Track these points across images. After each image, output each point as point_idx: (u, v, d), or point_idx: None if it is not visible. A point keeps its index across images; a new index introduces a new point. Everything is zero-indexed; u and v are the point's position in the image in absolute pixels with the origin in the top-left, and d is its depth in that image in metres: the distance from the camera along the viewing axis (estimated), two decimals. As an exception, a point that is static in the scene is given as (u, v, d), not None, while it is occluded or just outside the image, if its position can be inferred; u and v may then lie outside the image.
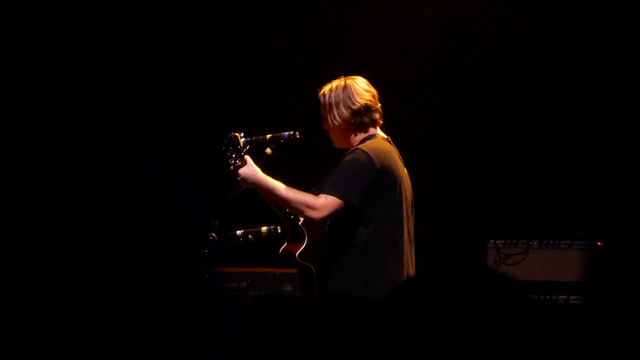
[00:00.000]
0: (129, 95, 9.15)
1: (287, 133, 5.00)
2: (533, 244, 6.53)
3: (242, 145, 4.93)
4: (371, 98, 4.82)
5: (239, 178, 4.77)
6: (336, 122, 4.83)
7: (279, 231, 5.15)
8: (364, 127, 4.82)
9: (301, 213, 4.74)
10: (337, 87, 4.90)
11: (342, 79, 4.90)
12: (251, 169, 4.78)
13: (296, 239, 4.87)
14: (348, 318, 2.92)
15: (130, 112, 9.08)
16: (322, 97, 4.92)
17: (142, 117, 9.10)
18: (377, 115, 4.82)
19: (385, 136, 4.85)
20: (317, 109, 5.27)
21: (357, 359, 2.49)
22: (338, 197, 4.58)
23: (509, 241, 6.61)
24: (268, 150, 4.98)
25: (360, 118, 4.78)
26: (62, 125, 9.06)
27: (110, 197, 8.55)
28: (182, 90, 9.11)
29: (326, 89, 4.88)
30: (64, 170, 9.02)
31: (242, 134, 4.98)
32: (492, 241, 6.56)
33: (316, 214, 4.62)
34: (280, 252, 4.88)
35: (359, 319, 2.88)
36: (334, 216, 4.61)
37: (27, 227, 7.74)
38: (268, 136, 5.02)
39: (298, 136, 4.96)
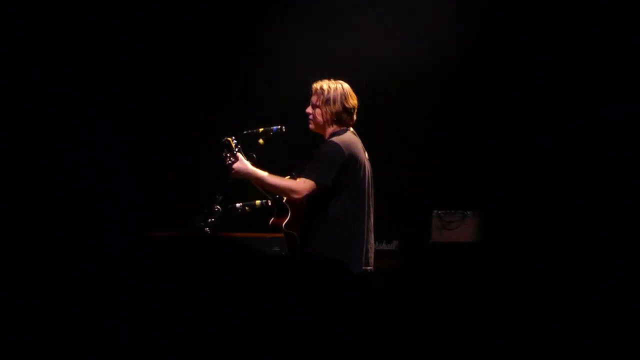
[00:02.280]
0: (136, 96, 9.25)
1: (276, 127, 5.63)
2: (467, 213, 7.51)
3: (234, 146, 5.51)
4: (355, 103, 5.43)
5: (232, 172, 5.38)
6: (325, 112, 5.40)
7: (269, 204, 5.74)
8: (342, 123, 5.39)
9: (285, 195, 5.38)
10: (335, 86, 5.45)
11: (336, 81, 5.51)
12: (243, 164, 5.38)
13: (282, 213, 5.49)
14: (320, 273, 3.12)
15: (134, 113, 9.18)
16: (319, 88, 5.43)
17: (144, 117, 9.27)
18: (354, 117, 5.42)
19: (352, 130, 5.44)
20: (297, 107, 6.09)
21: (326, 305, 2.83)
22: (314, 181, 5.19)
23: (448, 211, 7.54)
24: (260, 141, 5.60)
25: (344, 115, 5.37)
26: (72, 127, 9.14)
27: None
28: (180, 91, 9.38)
29: (324, 84, 5.43)
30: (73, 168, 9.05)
31: (234, 138, 5.55)
32: (435, 211, 7.44)
33: (297, 195, 5.26)
34: (270, 224, 5.57)
35: (328, 273, 3.13)
36: (311, 195, 5.23)
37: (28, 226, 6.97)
38: (260, 130, 5.65)
39: (284, 130, 5.60)
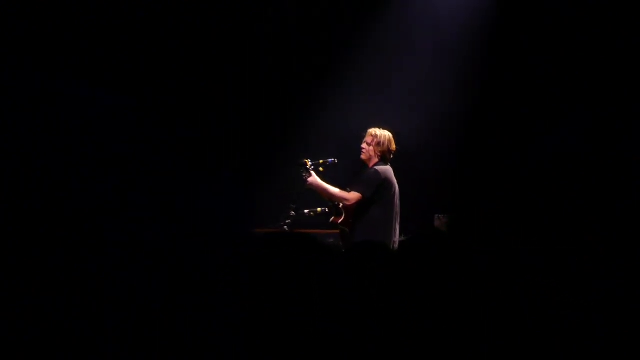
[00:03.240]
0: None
1: (331, 160, 6.86)
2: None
3: (309, 166, 6.64)
4: (395, 148, 6.57)
5: (307, 184, 6.57)
6: (375, 150, 6.54)
7: (327, 211, 6.90)
8: (384, 159, 6.54)
9: (340, 202, 6.53)
10: (384, 134, 6.54)
11: (384, 129, 6.61)
12: (315, 179, 6.53)
13: (338, 215, 6.72)
14: (365, 255, 3.01)
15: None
16: (374, 133, 6.55)
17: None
18: (391, 156, 6.55)
19: (388, 163, 6.50)
20: (345, 147, 7.33)
21: (368, 281, 2.66)
22: (360, 193, 6.38)
23: (445, 215, 7.78)
24: (321, 169, 6.86)
25: (387, 155, 6.54)
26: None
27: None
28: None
29: (377, 130, 6.57)
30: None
31: (310, 160, 6.76)
32: (436, 215, 7.77)
33: (348, 202, 6.46)
34: (330, 222, 6.81)
35: (370, 257, 3.00)
36: (358, 203, 6.43)
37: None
38: (321, 161, 6.85)
39: (336, 162, 6.84)
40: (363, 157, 6.53)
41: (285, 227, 6.76)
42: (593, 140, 8.04)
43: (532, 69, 8.82)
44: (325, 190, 6.52)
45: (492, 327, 2.11)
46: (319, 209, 6.95)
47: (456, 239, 2.84)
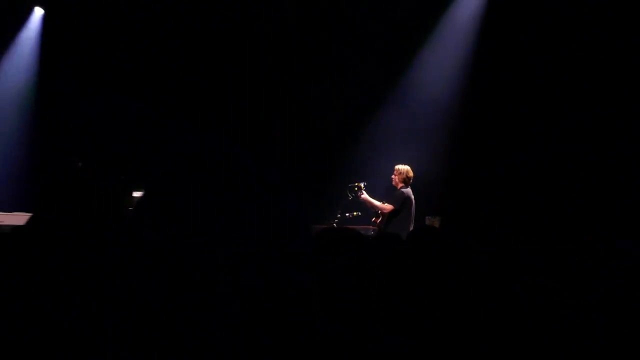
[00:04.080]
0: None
1: (363, 182, 7.09)
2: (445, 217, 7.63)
3: (362, 187, 7.02)
4: (412, 176, 6.92)
5: (361, 198, 6.97)
6: (399, 178, 6.92)
7: (360, 214, 7.12)
8: (405, 182, 6.95)
9: (380, 210, 6.97)
10: (404, 167, 6.90)
11: (404, 164, 6.89)
12: (365, 196, 6.99)
13: (377, 217, 6.99)
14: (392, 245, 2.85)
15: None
16: (397, 167, 6.90)
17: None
18: (410, 181, 6.97)
19: (409, 186, 7.00)
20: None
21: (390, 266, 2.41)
22: (393, 205, 6.87)
23: (434, 216, 7.44)
24: (355, 189, 7.04)
25: (407, 181, 6.94)
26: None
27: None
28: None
29: (399, 166, 6.90)
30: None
31: (363, 182, 7.05)
32: (427, 217, 7.38)
33: (385, 211, 6.91)
34: (372, 221, 7.06)
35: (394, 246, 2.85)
36: (391, 211, 6.83)
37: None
38: (356, 184, 6.98)
39: (366, 184, 7.08)
40: (393, 183, 7.09)
41: (334, 224, 7.05)
42: (591, 140, 6.96)
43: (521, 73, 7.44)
44: (371, 203, 7.06)
45: (485, 325, 1.69)
46: (355, 213, 7.29)
47: (447, 236, 2.55)
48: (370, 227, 7.10)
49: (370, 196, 6.96)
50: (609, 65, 6.87)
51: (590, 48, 6.98)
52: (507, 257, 2.60)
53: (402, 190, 6.85)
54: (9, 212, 6.61)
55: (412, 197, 6.83)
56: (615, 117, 6.86)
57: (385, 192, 7.15)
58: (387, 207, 6.78)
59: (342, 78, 8.38)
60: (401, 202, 6.78)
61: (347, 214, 7.16)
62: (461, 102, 7.93)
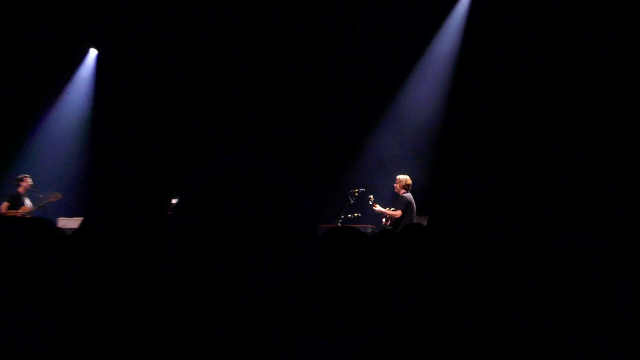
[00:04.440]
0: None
1: (362, 189, 7.12)
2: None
3: (372, 198, 6.91)
4: (410, 183, 6.76)
5: (375, 210, 6.79)
6: (400, 185, 6.77)
7: (360, 215, 7.02)
8: (406, 189, 6.78)
9: (390, 215, 6.73)
10: (403, 177, 6.79)
11: (404, 174, 6.80)
12: (378, 207, 6.76)
13: (387, 220, 6.81)
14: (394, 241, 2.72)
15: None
16: (398, 177, 6.76)
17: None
18: (410, 187, 6.82)
19: (409, 191, 6.86)
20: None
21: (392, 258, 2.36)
22: (399, 209, 6.71)
23: (423, 216, 7.01)
24: (355, 193, 7.19)
25: (407, 187, 6.78)
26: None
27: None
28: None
29: (401, 175, 6.79)
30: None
31: (361, 189, 7.08)
32: (416, 217, 7.04)
33: (394, 216, 6.69)
34: (382, 224, 6.83)
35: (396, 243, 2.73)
36: (398, 216, 6.68)
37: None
38: (357, 189, 7.11)
39: (365, 189, 7.05)
40: (395, 190, 6.89)
41: (339, 223, 6.96)
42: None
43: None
44: (383, 212, 6.84)
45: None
46: (355, 214, 7.15)
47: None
48: (369, 225, 6.94)
49: (381, 205, 6.84)
50: (579, 101, 6.69)
51: (555, 76, 6.92)
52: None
53: (404, 195, 6.76)
54: (71, 217, 6.71)
55: (413, 200, 6.74)
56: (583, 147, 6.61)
57: (391, 198, 7.00)
58: (396, 213, 6.67)
59: (347, 102, 8.30)
60: (405, 205, 6.68)
61: (349, 215, 7.12)
62: (442, 122, 7.97)
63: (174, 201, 0.92)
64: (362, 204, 7.16)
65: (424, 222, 6.89)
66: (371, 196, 6.99)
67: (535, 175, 6.95)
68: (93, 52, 8.92)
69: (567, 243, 1.98)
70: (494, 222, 1.13)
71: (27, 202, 6.75)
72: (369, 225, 7.02)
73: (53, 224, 1.71)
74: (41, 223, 1.55)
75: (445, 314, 1.08)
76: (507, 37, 7.20)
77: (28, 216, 5.77)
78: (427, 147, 7.97)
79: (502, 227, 1.12)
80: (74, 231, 1.36)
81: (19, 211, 6.48)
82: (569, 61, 6.91)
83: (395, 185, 6.86)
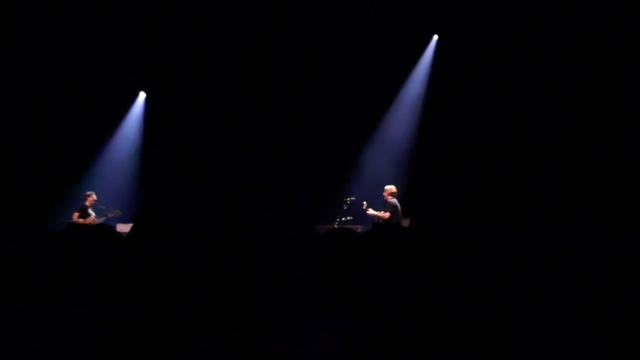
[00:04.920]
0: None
1: (353, 198, 6.89)
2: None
3: (366, 204, 6.64)
4: (396, 191, 6.45)
5: (368, 213, 6.53)
6: (388, 194, 6.46)
7: (351, 218, 6.78)
8: (393, 196, 6.46)
9: (382, 218, 6.41)
10: (390, 187, 6.49)
11: (392, 185, 6.50)
12: (371, 210, 6.53)
13: (378, 221, 6.45)
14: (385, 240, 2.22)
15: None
16: (386, 187, 6.45)
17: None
18: (395, 194, 6.49)
19: (394, 197, 6.56)
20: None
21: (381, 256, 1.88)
22: (389, 212, 6.39)
23: (405, 218, 6.78)
24: (348, 201, 6.98)
25: (394, 194, 6.47)
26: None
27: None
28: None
29: (387, 186, 6.48)
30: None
31: (352, 197, 6.84)
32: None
33: (384, 218, 6.38)
34: (376, 224, 6.57)
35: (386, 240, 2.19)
36: (387, 217, 6.35)
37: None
38: (349, 199, 6.91)
39: (356, 198, 6.92)
40: (384, 198, 6.56)
41: (335, 225, 6.72)
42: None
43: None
44: (375, 215, 6.56)
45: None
46: (348, 217, 6.88)
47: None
48: (358, 226, 6.69)
49: (373, 209, 6.63)
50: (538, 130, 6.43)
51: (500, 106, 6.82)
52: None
53: (391, 201, 6.53)
54: (126, 223, 6.78)
55: (398, 204, 6.58)
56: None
57: (382, 203, 6.65)
58: (385, 215, 6.45)
59: (343, 128, 8.24)
60: (392, 209, 6.49)
61: (343, 218, 6.92)
62: (416, 142, 8.00)
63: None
64: (353, 210, 6.94)
65: (406, 224, 6.98)
66: (364, 202, 6.76)
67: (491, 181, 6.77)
68: (142, 95, 8.92)
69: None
70: (456, 218, 1.08)
71: (92, 214, 6.77)
72: (359, 226, 6.79)
73: (113, 228, 1.72)
74: (104, 228, 1.61)
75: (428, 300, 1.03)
76: (466, 77, 7.09)
77: (93, 224, 5.97)
78: (406, 163, 7.86)
79: (463, 223, 1.07)
80: (127, 234, 1.34)
81: (87, 220, 6.56)
82: (512, 92, 6.72)
83: (384, 194, 6.64)
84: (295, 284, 0.69)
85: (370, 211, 6.69)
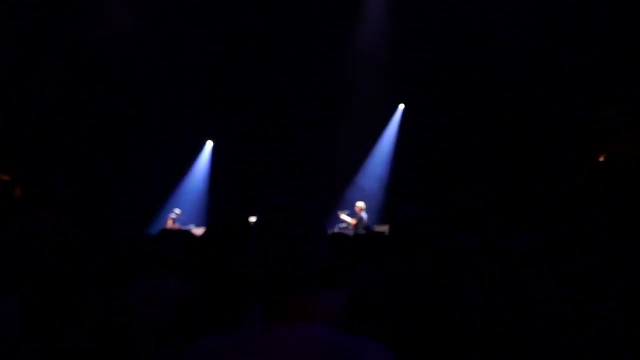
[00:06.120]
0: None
1: (346, 211, 6.11)
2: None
3: (346, 212, 6.04)
4: (364, 207, 5.70)
5: (340, 217, 5.87)
6: (358, 208, 5.68)
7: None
8: (361, 210, 5.66)
9: (350, 225, 5.74)
10: (360, 203, 5.71)
11: (362, 202, 5.72)
12: (343, 216, 5.86)
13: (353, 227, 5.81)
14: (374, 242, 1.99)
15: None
16: (356, 204, 5.73)
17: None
18: (364, 209, 5.69)
19: (363, 210, 5.71)
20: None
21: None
22: (356, 220, 5.55)
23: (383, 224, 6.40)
24: (344, 211, 6.17)
25: (363, 209, 5.65)
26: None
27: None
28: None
29: (358, 203, 5.71)
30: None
31: (345, 211, 6.09)
32: (375, 225, 6.27)
33: (353, 224, 5.61)
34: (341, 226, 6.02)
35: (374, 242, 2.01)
36: (355, 224, 5.57)
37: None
38: (344, 211, 6.17)
39: (348, 212, 6.10)
40: (356, 210, 5.71)
41: (335, 231, 6.19)
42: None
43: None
44: (346, 221, 5.83)
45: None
46: (343, 225, 6.07)
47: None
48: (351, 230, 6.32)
49: (349, 217, 6.05)
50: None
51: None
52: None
53: (360, 213, 5.86)
54: (199, 227, 6.81)
55: (365, 216, 5.72)
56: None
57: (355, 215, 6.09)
58: (353, 221, 5.82)
59: (341, 158, 7.26)
60: (359, 219, 5.78)
61: (339, 226, 6.28)
62: (390, 176, 7.23)
63: (253, 219, 0.87)
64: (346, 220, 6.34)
65: (385, 229, 5.80)
66: (345, 211, 6.17)
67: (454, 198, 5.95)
68: (209, 144, 8.64)
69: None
70: (423, 230, 1.04)
71: (177, 222, 6.76)
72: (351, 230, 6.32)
73: (190, 231, 1.82)
74: (183, 232, 1.71)
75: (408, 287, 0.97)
76: (430, 130, 6.37)
77: (177, 228, 5.72)
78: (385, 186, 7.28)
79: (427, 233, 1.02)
80: (201, 236, 1.37)
81: (175, 226, 6.56)
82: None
83: (355, 209, 5.92)
84: (322, 264, 0.72)
85: (343, 216, 6.01)
